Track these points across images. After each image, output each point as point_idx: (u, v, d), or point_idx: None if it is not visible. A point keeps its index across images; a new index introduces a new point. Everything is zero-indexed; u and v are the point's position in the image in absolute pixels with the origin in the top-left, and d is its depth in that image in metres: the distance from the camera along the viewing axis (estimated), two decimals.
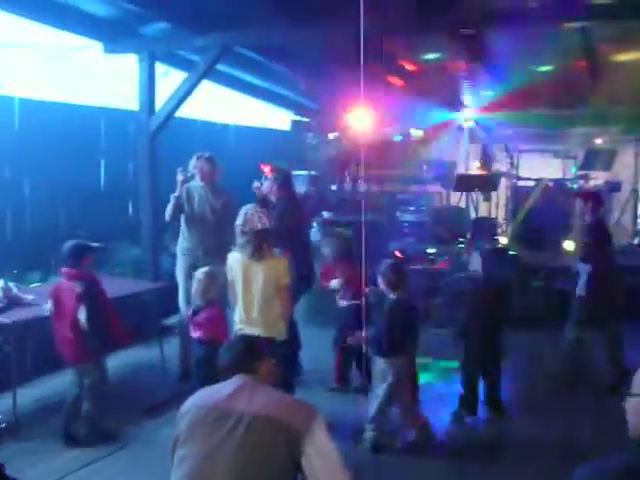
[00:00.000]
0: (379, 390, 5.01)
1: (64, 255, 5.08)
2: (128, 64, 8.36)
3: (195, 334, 5.04)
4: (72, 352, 5.06)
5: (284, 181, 5.95)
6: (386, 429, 5.12)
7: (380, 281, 5.08)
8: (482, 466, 4.86)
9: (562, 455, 4.74)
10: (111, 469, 4.77)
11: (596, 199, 7.26)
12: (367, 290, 5.17)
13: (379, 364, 5.03)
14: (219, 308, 5.11)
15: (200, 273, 5.12)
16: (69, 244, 5.15)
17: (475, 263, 5.90)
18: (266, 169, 6.67)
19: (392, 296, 5.02)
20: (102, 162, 9.34)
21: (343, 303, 6.10)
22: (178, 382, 6.29)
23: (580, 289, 6.60)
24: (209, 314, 4.99)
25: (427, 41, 8.62)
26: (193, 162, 6.44)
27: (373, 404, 5.05)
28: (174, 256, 6.80)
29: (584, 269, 6.60)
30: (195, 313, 5.06)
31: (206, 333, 4.94)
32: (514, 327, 6.16)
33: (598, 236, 6.87)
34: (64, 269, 5.08)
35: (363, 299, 5.87)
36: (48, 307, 5.15)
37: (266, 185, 6.01)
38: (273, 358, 3.09)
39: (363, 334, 4.99)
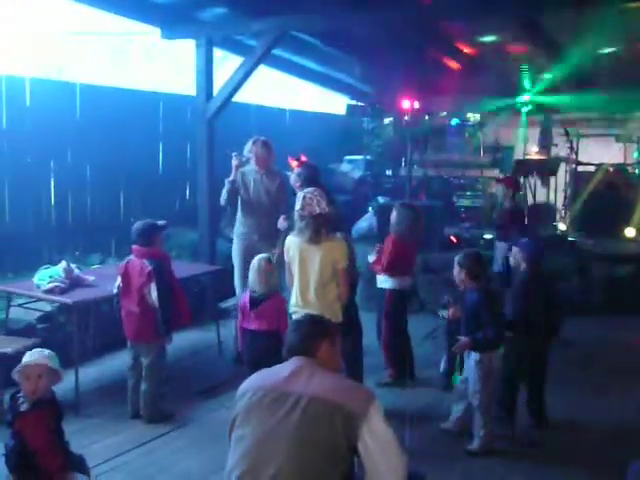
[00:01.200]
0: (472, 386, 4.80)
1: (135, 233, 5.16)
2: (188, 49, 8.45)
3: (252, 325, 4.90)
4: (137, 329, 5.16)
5: (308, 176, 5.86)
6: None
7: (457, 271, 4.90)
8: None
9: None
10: (167, 448, 4.87)
11: (514, 185, 8.46)
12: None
13: (475, 358, 4.79)
14: (281, 297, 5.00)
15: (259, 259, 5.00)
16: (139, 223, 5.23)
17: (517, 257, 5.23)
18: (293, 163, 6.63)
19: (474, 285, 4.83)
20: (161, 147, 9.51)
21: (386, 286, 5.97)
22: (233, 364, 6.36)
23: (497, 265, 7.59)
24: (273, 304, 4.88)
25: (485, 23, 8.47)
26: (248, 146, 6.47)
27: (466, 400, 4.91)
28: (230, 240, 6.87)
29: (501, 247, 7.55)
30: (254, 302, 4.92)
31: (270, 324, 4.82)
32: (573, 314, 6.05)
33: (515, 219, 7.99)
34: (135, 247, 5.16)
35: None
36: (117, 284, 5.24)
37: (292, 179, 5.99)
38: (336, 339, 3.05)
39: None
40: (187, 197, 9.90)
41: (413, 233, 5.91)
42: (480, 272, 4.87)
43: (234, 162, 6.40)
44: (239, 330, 5.17)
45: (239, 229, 6.59)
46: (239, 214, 6.56)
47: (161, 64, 12.66)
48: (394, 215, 5.91)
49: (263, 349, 4.74)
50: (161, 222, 5.32)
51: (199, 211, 8.25)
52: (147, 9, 7.66)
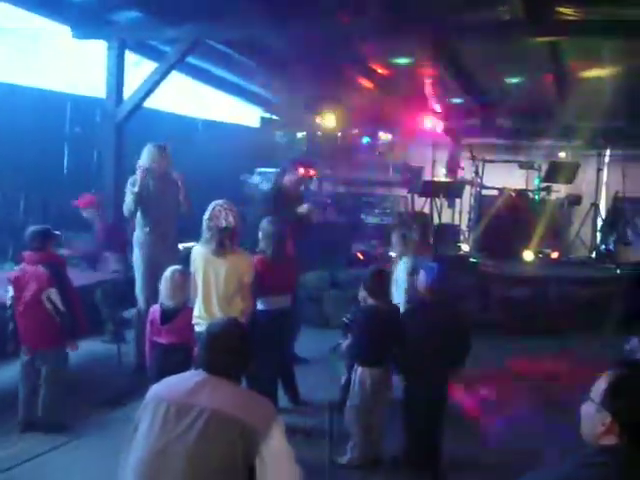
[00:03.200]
0: (358, 401, 4.80)
1: (28, 239, 5.01)
2: (98, 51, 8.27)
3: (163, 339, 4.78)
4: (39, 336, 5.00)
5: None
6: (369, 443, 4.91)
7: (361, 287, 4.91)
8: None
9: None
10: (65, 459, 4.71)
11: None
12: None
13: (361, 374, 4.80)
14: (191, 310, 4.88)
15: (172, 271, 4.85)
16: (33, 228, 5.09)
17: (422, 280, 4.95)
18: (300, 171, 6.61)
19: (371, 302, 4.85)
20: (66, 150, 9.20)
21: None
22: (133, 375, 6.20)
23: None
24: (185, 318, 4.76)
25: (399, 46, 8.66)
26: (146, 152, 6.35)
27: (353, 416, 4.85)
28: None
29: None
30: (166, 315, 4.79)
31: (182, 338, 4.72)
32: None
33: None
34: (28, 253, 5.00)
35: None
36: (9, 295, 5.05)
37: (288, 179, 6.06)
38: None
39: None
40: None
41: (280, 250, 5.51)
42: (378, 290, 4.87)
43: (141, 174, 6.23)
44: (148, 344, 5.02)
45: (141, 237, 6.44)
46: (140, 222, 6.41)
47: (71, 65, 12.29)
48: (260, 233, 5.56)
49: (173, 363, 4.56)
50: (55, 231, 5.21)
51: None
52: (58, 7, 7.45)
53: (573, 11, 6.58)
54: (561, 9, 6.59)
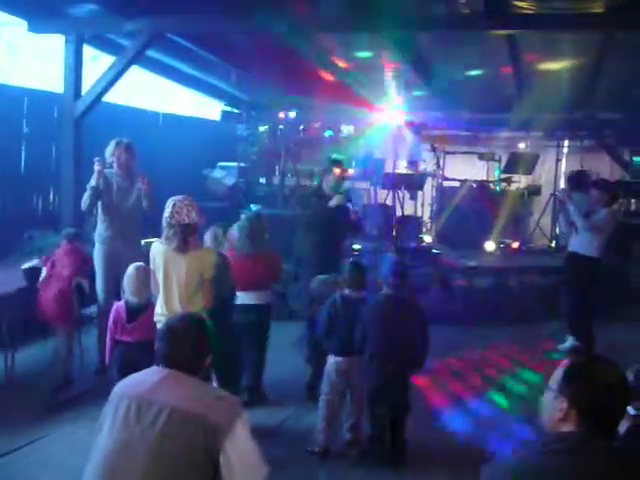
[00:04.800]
0: (327, 390, 4.94)
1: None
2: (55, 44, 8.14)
3: (128, 337, 4.77)
4: None
5: None
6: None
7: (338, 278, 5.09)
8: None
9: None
10: (26, 460, 4.64)
11: None
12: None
13: (333, 363, 4.93)
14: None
15: (136, 268, 4.87)
16: None
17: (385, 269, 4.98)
18: (337, 170, 6.67)
19: (346, 292, 4.98)
20: (24, 145, 9.03)
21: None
22: (95, 375, 6.15)
23: None
24: (150, 314, 4.72)
25: (360, 39, 8.68)
26: (111, 149, 6.31)
27: (325, 405, 4.94)
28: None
29: None
30: (132, 313, 4.79)
31: (148, 335, 4.57)
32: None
33: None
34: None
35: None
36: None
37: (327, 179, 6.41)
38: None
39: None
40: (51, 199, 9.45)
41: (256, 245, 5.74)
42: (353, 281, 4.98)
43: (97, 167, 6.18)
44: (109, 342, 4.98)
45: (102, 234, 6.39)
46: (101, 218, 6.37)
47: (27, 58, 12.07)
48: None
49: (138, 361, 4.55)
50: None
51: (63, 214, 7.92)
52: (14, 0, 7.31)
53: (529, 5, 6.66)
54: (518, 3, 6.67)
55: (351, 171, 7.04)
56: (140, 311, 4.80)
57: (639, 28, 6.98)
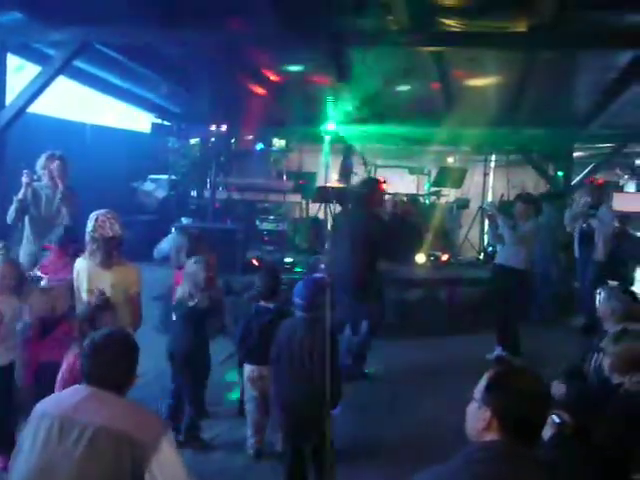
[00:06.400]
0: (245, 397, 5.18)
1: None
2: None
3: (44, 356, 4.66)
4: None
5: None
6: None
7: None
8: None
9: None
10: None
11: None
12: None
13: (249, 371, 5.07)
14: (71, 323, 4.66)
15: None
16: None
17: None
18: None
19: (261, 303, 5.08)
20: None
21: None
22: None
23: None
24: (64, 331, 4.64)
25: (292, 53, 8.72)
26: (42, 161, 6.17)
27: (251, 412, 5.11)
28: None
29: None
30: (46, 328, 4.70)
31: (62, 353, 4.39)
32: None
33: None
34: None
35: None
36: None
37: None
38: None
39: None
40: None
41: (180, 260, 5.76)
42: (266, 291, 5.11)
43: (25, 179, 6.06)
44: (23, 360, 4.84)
45: (29, 248, 6.25)
46: (28, 232, 6.22)
47: None
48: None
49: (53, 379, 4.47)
50: None
51: None
52: None
53: (456, 22, 6.81)
54: (445, 20, 6.81)
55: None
56: (53, 326, 4.72)
57: (560, 47, 7.23)
